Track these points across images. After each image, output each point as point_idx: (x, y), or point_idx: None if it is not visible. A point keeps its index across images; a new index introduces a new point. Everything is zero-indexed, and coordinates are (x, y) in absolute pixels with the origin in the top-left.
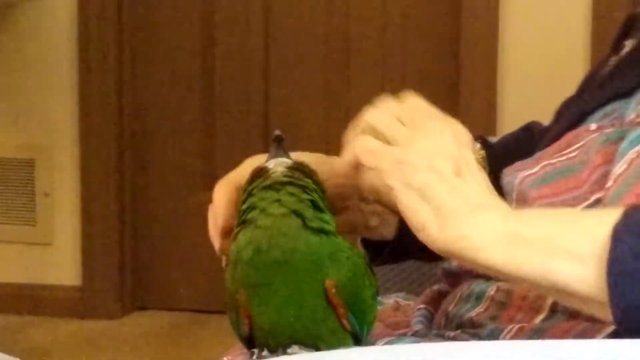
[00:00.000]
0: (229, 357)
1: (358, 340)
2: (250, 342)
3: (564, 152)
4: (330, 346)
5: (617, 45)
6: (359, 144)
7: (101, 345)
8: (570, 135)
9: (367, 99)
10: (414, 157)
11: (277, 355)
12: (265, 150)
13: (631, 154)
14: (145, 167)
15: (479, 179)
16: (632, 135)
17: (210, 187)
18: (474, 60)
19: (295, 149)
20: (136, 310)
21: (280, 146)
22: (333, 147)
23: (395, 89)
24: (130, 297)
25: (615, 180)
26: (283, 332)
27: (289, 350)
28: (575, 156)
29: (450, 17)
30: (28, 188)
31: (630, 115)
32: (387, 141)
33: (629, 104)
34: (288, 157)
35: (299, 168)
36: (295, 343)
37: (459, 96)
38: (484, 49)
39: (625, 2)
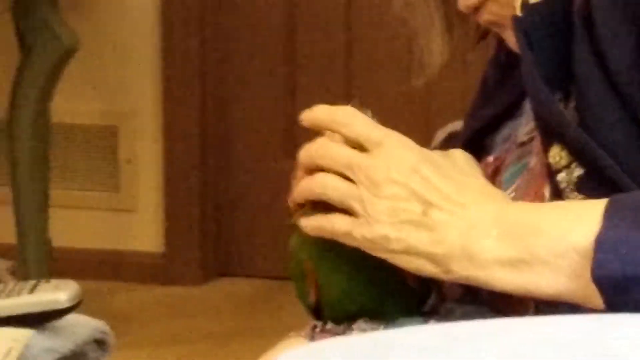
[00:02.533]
0: (295, 333)
1: (423, 299)
2: (317, 313)
3: None
4: (396, 312)
5: (500, 48)
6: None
7: (183, 311)
8: None
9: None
10: (379, 230)
11: (342, 329)
12: None
13: (508, 192)
14: (228, 134)
15: (449, 191)
16: (510, 169)
17: (291, 155)
18: None
19: (378, 110)
20: (218, 277)
21: None
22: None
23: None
24: (212, 264)
25: None
26: (352, 300)
27: (354, 326)
28: None
29: None
30: (111, 155)
31: (521, 137)
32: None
33: (521, 123)
34: None
35: None
36: (361, 315)
37: None
38: None
39: None
